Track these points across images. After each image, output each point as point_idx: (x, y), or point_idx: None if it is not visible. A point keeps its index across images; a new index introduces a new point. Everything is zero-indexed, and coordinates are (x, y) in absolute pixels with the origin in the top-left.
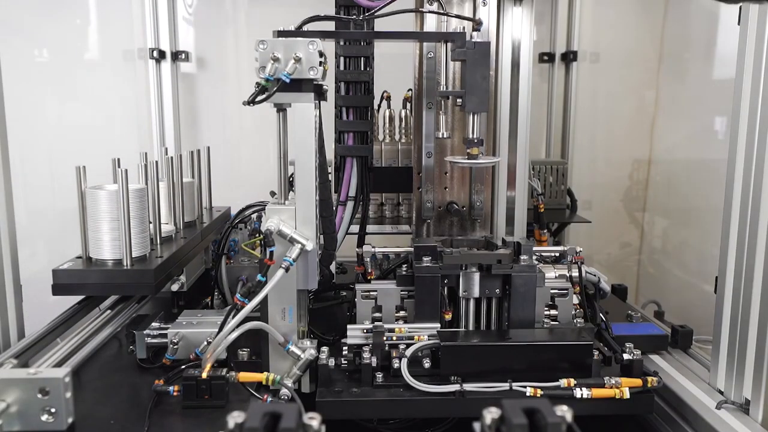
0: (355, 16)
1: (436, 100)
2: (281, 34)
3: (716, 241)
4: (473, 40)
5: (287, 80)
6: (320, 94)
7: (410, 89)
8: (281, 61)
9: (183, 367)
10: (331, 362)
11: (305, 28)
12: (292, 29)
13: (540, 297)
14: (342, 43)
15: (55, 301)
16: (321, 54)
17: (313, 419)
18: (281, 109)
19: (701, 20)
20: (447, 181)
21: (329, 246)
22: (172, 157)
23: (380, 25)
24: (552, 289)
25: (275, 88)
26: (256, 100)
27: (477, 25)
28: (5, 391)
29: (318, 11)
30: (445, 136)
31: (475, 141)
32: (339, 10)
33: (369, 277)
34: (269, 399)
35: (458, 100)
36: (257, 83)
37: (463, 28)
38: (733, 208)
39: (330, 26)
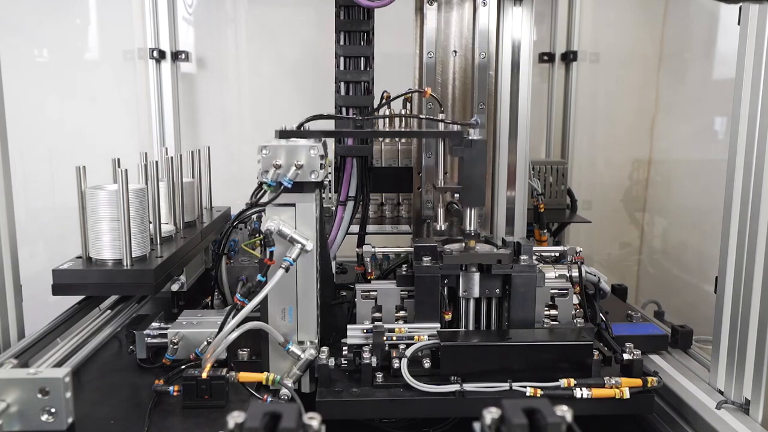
0: (355, 116)
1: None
2: (282, 135)
3: (716, 241)
4: (470, 137)
5: (289, 186)
6: (321, 188)
7: (410, 89)
8: (283, 167)
9: (183, 367)
10: (331, 362)
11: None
12: (294, 127)
13: (540, 297)
14: (342, 42)
15: (55, 301)
16: (322, 157)
17: (313, 419)
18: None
19: (701, 20)
20: (447, 182)
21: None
22: (172, 157)
23: (377, 23)
24: (552, 289)
25: (279, 192)
26: (260, 202)
27: (473, 126)
28: (5, 391)
29: (318, 11)
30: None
31: (473, 234)
32: (339, 11)
33: (369, 277)
34: (269, 399)
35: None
36: (260, 183)
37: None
38: (733, 208)
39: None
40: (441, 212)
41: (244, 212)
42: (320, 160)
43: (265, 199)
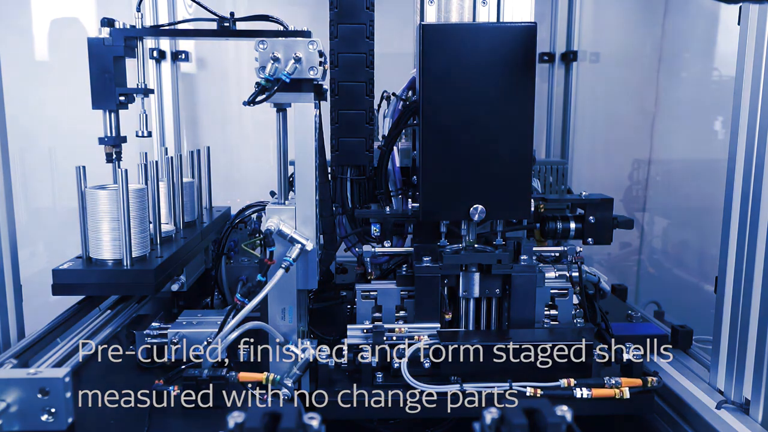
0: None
1: None
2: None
3: (716, 241)
4: None
5: (287, 80)
6: (320, 93)
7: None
8: (281, 61)
9: (183, 367)
10: (331, 362)
11: None
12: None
13: (540, 297)
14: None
15: (55, 301)
16: (321, 54)
17: (313, 419)
18: (281, 108)
19: (701, 20)
20: None
21: (329, 246)
22: (172, 157)
23: (377, 23)
24: (552, 289)
25: (275, 88)
26: (257, 100)
27: None
28: (5, 391)
29: (317, 10)
30: None
31: None
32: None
33: (369, 277)
34: (269, 399)
35: None
36: (257, 83)
37: None
38: (733, 208)
39: None
40: None
41: (243, 211)
42: (319, 57)
43: (261, 97)
